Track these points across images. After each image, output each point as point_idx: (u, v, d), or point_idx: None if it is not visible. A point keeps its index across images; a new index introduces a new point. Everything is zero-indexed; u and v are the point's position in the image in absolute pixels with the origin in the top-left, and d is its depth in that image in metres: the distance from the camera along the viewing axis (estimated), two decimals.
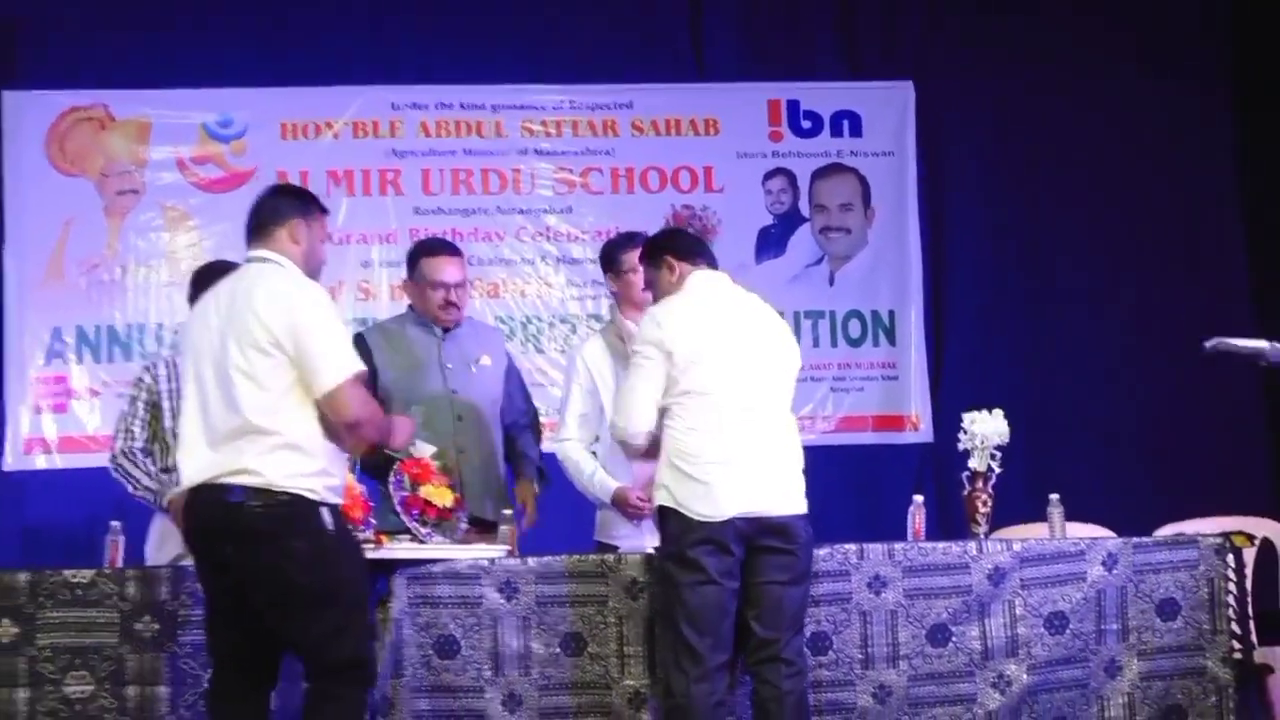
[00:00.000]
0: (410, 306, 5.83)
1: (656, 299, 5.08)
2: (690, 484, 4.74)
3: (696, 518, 4.71)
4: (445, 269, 5.69)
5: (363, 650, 4.50)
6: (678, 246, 5.11)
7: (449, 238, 7.41)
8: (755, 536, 4.74)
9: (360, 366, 4.47)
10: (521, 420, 5.94)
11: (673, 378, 4.82)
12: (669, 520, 4.77)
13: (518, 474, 5.89)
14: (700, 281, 4.99)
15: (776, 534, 4.76)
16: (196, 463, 4.41)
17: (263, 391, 4.34)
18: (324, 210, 4.74)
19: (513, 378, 5.96)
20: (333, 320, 4.49)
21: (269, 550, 4.32)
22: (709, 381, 4.80)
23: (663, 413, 4.85)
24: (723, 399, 4.79)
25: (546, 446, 6.20)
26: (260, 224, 4.58)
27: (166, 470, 5.51)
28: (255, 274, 4.50)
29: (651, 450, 4.93)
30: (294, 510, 4.33)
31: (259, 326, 4.34)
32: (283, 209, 4.60)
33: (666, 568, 4.80)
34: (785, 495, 4.83)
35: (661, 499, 4.79)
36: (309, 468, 4.37)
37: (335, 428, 4.39)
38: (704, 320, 4.89)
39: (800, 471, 4.93)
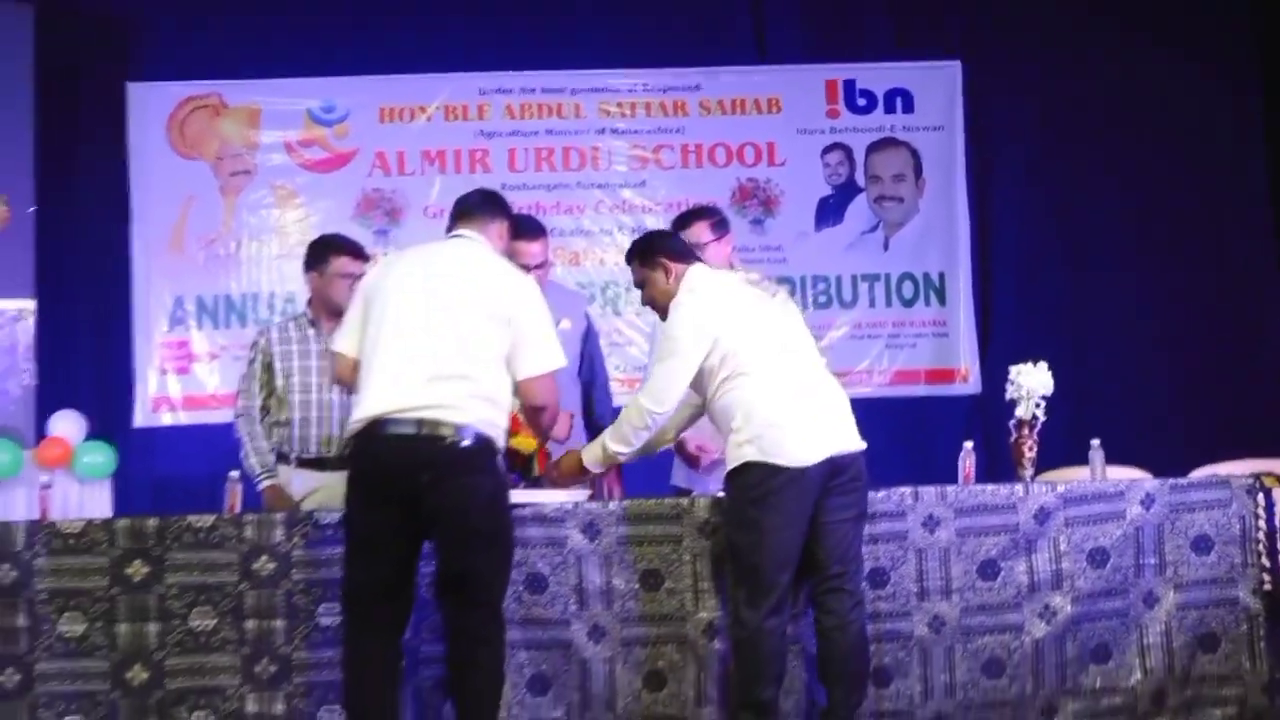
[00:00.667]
0: None
1: (646, 300, 5.06)
2: (770, 436, 4.67)
3: (784, 464, 4.65)
4: (528, 250, 5.55)
5: (504, 588, 4.59)
6: (671, 248, 5.03)
7: (533, 211, 7.45)
8: (829, 477, 4.72)
9: (563, 362, 4.63)
10: (603, 407, 5.85)
11: (723, 355, 4.77)
12: (753, 471, 4.68)
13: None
14: (701, 272, 4.96)
15: (844, 472, 4.74)
16: (397, 395, 4.38)
17: (482, 348, 4.44)
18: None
19: (593, 349, 5.90)
20: (549, 316, 4.66)
21: (462, 482, 4.37)
22: (756, 349, 4.77)
23: (721, 387, 4.80)
24: (774, 360, 4.77)
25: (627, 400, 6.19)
26: (477, 213, 4.74)
27: (280, 424, 5.58)
28: (481, 252, 4.64)
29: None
30: (484, 450, 4.42)
31: (492, 297, 4.49)
32: (500, 211, 4.80)
33: (749, 512, 4.70)
34: (849, 433, 4.82)
35: (746, 455, 4.69)
36: (499, 420, 4.51)
37: (524, 408, 4.59)
38: (726, 301, 4.87)
39: (848, 408, 4.91)
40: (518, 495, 4.98)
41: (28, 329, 7.48)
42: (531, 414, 4.63)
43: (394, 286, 4.54)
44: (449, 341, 4.42)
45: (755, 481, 4.69)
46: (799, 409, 4.73)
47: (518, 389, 4.54)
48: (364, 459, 4.46)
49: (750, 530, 4.72)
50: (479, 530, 4.39)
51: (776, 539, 4.68)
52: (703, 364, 4.79)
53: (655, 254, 5.00)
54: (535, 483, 5.13)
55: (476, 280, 4.51)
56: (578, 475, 5.05)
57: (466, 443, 4.36)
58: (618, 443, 4.93)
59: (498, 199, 4.87)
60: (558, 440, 5.10)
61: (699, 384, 4.86)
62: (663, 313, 4.96)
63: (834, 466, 4.71)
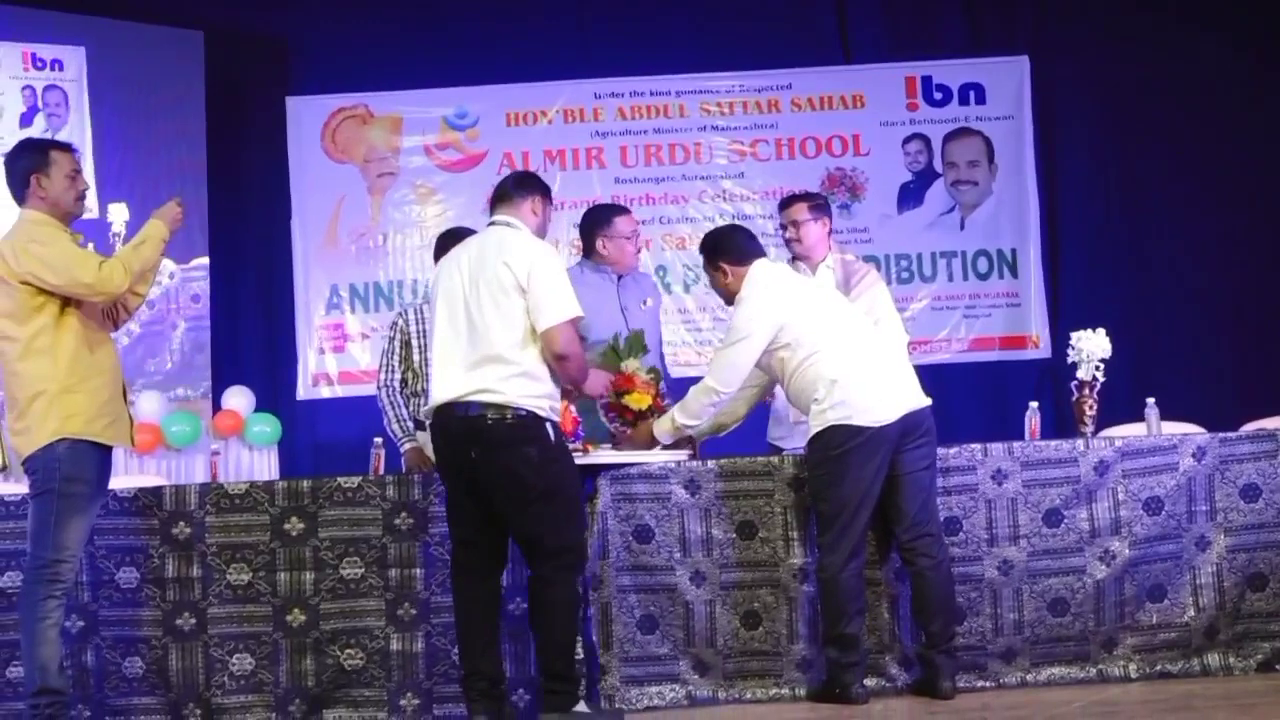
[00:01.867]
0: (584, 259, 5.68)
1: (716, 290, 5.11)
2: (852, 400, 4.67)
3: (863, 424, 4.65)
4: (633, 224, 5.64)
5: (576, 538, 4.56)
6: (729, 251, 4.99)
7: (643, 202, 7.47)
8: (904, 434, 4.70)
9: (578, 312, 4.50)
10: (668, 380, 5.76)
11: (790, 341, 4.78)
12: (837, 433, 4.67)
13: None
14: (762, 268, 4.94)
15: (918, 428, 4.73)
16: (448, 385, 4.47)
17: (509, 330, 4.41)
18: (553, 202, 4.90)
19: (659, 324, 5.84)
20: (561, 271, 4.55)
21: (507, 454, 4.39)
22: (821, 330, 4.78)
23: (799, 366, 4.78)
24: (840, 337, 4.77)
25: None
26: (509, 195, 4.68)
27: (416, 394, 5.60)
28: (502, 234, 4.58)
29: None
30: (528, 423, 4.41)
31: (508, 274, 4.42)
32: (530, 185, 4.72)
33: (833, 469, 4.70)
34: (917, 392, 4.82)
35: (830, 419, 4.68)
36: (540, 390, 4.44)
37: (548, 358, 4.45)
38: (787, 292, 4.87)
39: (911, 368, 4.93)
40: (627, 456, 4.99)
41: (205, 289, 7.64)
42: (557, 363, 4.47)
43: (441, 288, 4.59)
44: (480, 331, 4.43)
45: (839, 441, 4.69)
46: (872, 375, 4.73)
47: (542, 341, 4.43)
48: (436, 439, 4.58)
49: (833, 484, 4.72)
50: (530, 493, 4.39)
51: (853, 491, 4.68)
52: (774, 351, 4.81)
53: (714, 257, 5.03)
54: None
55: (495, 263, 4.45)
56: (648, 443, 5.01)
57: (508, 419, 4.38)
58: (686, 417, 4.95)
59: (526, 178, 4.86)
60: (594, 397, 4.94)
61: (772, 369, 4.88)
62: (728, 300, 5.00)
63: (907, 423, 4.71)
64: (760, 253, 5.03)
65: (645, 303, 5.65)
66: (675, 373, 6.13)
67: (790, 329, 4.78)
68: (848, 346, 4.76)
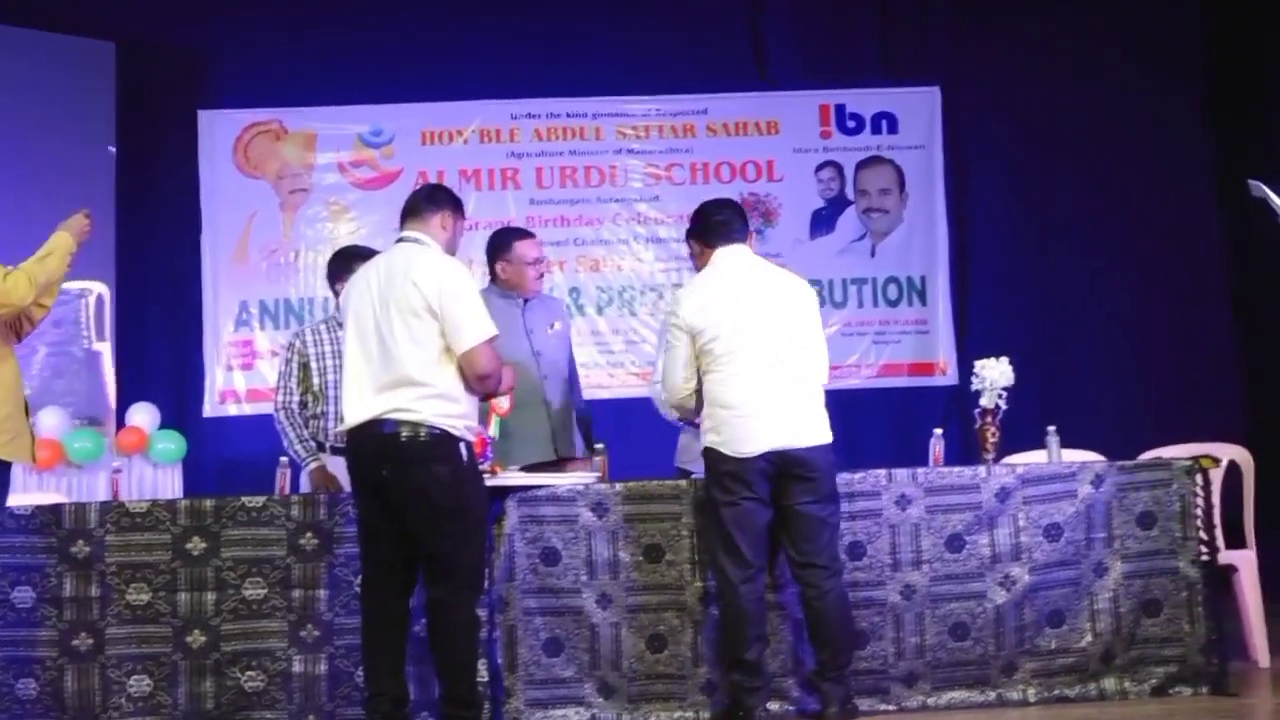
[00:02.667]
0: (491, 282, 5.65)
1: (697, 268, 5.11)
2: (726, 428, 4.73)
3: (730, 454, 4.72)
4: (535, 248, 5.61)
5: (479, 559, 4.56)
6: (701, 232, 5.02)
7: (557, 224, 7.48)
8: (781, 467, 4.72)
9: (493, 331, 4.49)
10: (582, 404, 5.78)
11: (701, 348, 4.80)
12: (710, 456, 4.79)
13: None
14: (723, 257, 4.92)
15: (799, 464, 4.73)
16: (360, 406, 4.46)
17: (421, 351, 4.40)
18: (465, 215, 4.82)
19: (566, 343, 5.79)
20: (473, 293, 4.52)
21: (419, 472, 4.38)
22: (732, 344, 4.76)
23: (703, 374, 4.83)
24: (746, 356, 4.75)
25: (637, 391, 6.22)
26: (418, 210, 4.64)
27: (316, 416, 5.56)
28: (410, 252, 4.54)
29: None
30: (441, 441, 4.40)
31: (417, 295, 4.39)
32: (440, 200, 4.68)
33: (709, 492, 4.81)
34: (805, 431, 4.75)
35: (706, 440, 4.80)
36: (454, 410, 4.44)
37: (468, 379, 4.45)
38: (722, 292, 4.83)
39: (819, 409, 4.83)
40: (535, 478, 5.01)
41: (89, 305, 7.47)
42: (479, 383, 4.48)
43: (351, 308, 4.58)
44: (391, 353, 4.41)
45: (712, 464, 4.78)
46: (756, 406, 4.72)
47: (461, 364, 4.43)
48: (349, 459, 4.58)
49: (712, 508, 4.80)
50: (438, 512, 4.39)
51: (731, 515, 4.72)
52: (699, 351, 4.81)
53: (690, 229, 5.10)
54: None
55: (404, 283, 4.42)
56: None
57: (421, 437, 4.38)
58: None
59: (436, 191, 4.82)
60: (504, 393, 4.84)
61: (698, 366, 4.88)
62: None
63: (785, 459, 4.71)
64: (733, 238, 4.94)
65: (552, 326, 5.65)
66: (588, 394, 6.12)
67: (705, 335, 4.78)
68: (748, 371, 4.74)
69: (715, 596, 4.86)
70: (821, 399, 4.87)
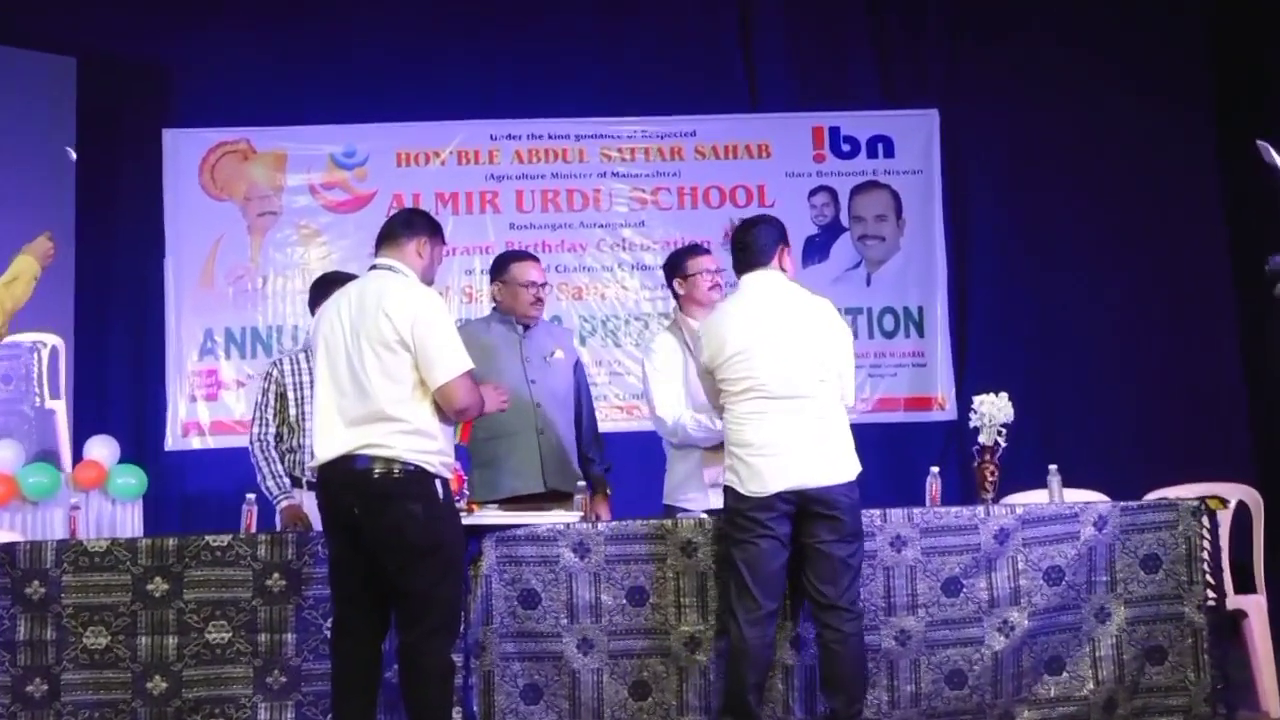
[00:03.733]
0: (494, 308, 5.79)
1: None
2: (743, 467, 4.78)
3: (747, 493, 4.76)
4: (532, 271, 5.69)
5: (455, 601, 4.57)
6: (736, 252, 5.07)
7: (539, 250, 7.47)
8: (801, 505, 4.76)
9: (470, 364, 4.52)
10: (589, 434, 5.83)
11: (723, 380, 4.87)
12: (729, 494, 4.84)
13: (593, 486, 5.67)
14: (751, 282, 4.97)
15: (818, 502, 4.76)
16: (332, 442, 4.47)
17: (395, 385, 4.42)
18: (444, 240, 4.83)
19: (581, 378, 5.87)
20: (448, 324, 4.55)
21: (392, 509, 4.40)
22: (753, 377, 4.80)
23: (723, 409, 4.90)
24: (768, 391, 4.79)
25: (620, 425, 6.26)
26: (394, 235, 4.65)
27: (293, 450, 5.62)
28: (383, 281, 4.55)
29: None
30: (415, 478, 4.42)
31: (389, 327, 4.41)
32: (416, 226, 4.68)
33: (725, 530, 4.87)
34: (824, 469, 4.79)
35: (726, 479, 4.85)
36: (430, 447, 4.46)
37: (445, 412, 4.49)
38: (746, 323, 4.87)
39: (842, 445, 4.87)
40: (514, 517, 5.05)
41: (42, 359, 7.48)
42: (457, 417, 4.56)
43: (322, 338, 4.59)
44: (364, 387, 4.43)
45: (730, 504, 4.82)
46: (773, 443, 4.77)
47: (437, 399, 4.47)
48: (320, 496, 4.60)
49: (727, 546, 4.85)
50: (411, 552, 4.40)
51: (746, 554, 4.76)
52: (717, 382, 4.89)
53: (732, 253, 5.11)
54: None
55: (376, 314, 4.44)
56: None
57: (395, 473, 4.39)
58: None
59: (413, 216, 4.83)
60: (499, 410, 4.92)
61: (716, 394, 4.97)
62: None
63: (804, 497, 4.75)
64: (756, 262, 4.98)
65: (551, 354, 5.69)
66: None
67: (725, 368, 4.85)
68: (767, 408, 4.79)
69: (704, 640, 4.91)
70: (847, 432, 4.91)
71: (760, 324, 4.88)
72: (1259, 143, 4.83)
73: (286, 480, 5.55)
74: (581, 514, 5.15)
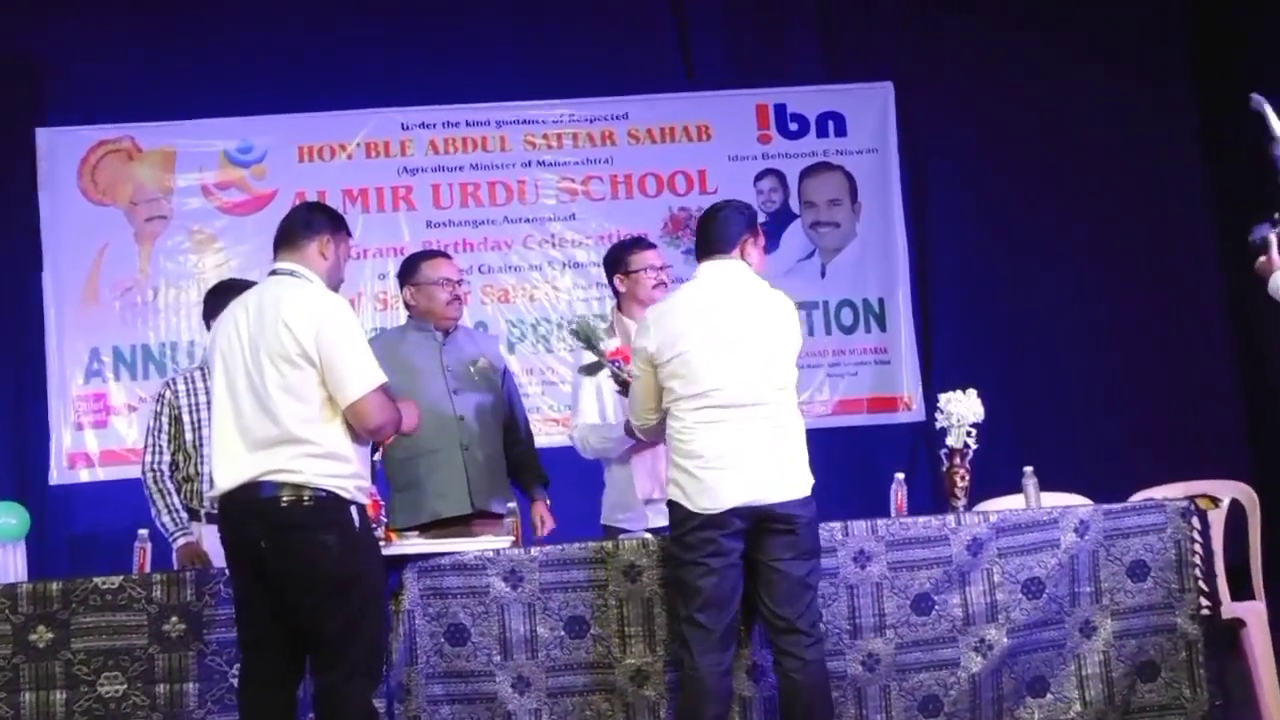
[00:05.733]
0: (410, 316, 5.78)
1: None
2: (691, 481, 4.76)
3: (696, 510, 4.74)
4: (445, 268, 5.70)
5: (376, 640, 4.54)
6: (698, 238, 5.07)
7: (460, 249, 7.50)
8: (756, 522, 4.75)
9: (383, 378, 4.48)
10: (522, 440, 5.85)
11: (664, 381, 4.84)
12: (675, 510, 4.82)
13: (528, 493, 5.80)
14: (709, 272, 4.95)
15: (774, 519, 4.75)
16: (233, 468, 4.42)
17: (301, 404, 4.38)
18: (349, 233, 4.78)
19: (511, 387, 5.89)
20: (357, 335, 4.50)
21: (302, 541, 4.36)
22: (700, 379, 4.77)
23: (666, 413, 4.88)
24: (724, 397, 4.76)
25: (557, 439, 6.28)
26: (292, 236, 4.59)
27: (189, 479, 5.56)
28: (282, 287, 4.50)
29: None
30: (328, 505, 4.38)
31: (290, 339, 4.36)
32: (316, 224, 4.62)
33: (672, 550, 4.85)
34: (778, 484, 4.77)
35: (671, 494, 4.83)
36: (343, 470, 4.42)
37: (359, 431, 4.46)
38: (696, 317, 4.84)
39: (799, 457, 4.86)
40: (437, 545, 5.01)
41: None
42: (370, 435, 4.53)
43: (219, 354, 4.54)
44: (266, 407, 4.38)
45: (678, 522, 4.80)
46: (723, 456, 4.74)
47: (348, 417, 4.43)
48: (222, 529, 4.54)
49: (675, 568, 4.84)
50: (326, 587, 4.36)
51: (697, 577, 4.74)
52: (660, 373, 4.87)
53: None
54: None
55: (275, 325, 4.39)
56: None
57: (305, 501, 4.36)
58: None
59: (312, 213, 4.75)
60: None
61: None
62: None
63: (759, 513, 4.73)
64: (715, 249, 4.96)
65: (476, 362, 5.67)
66: None
67: (675, 365, 4.81)
68: (718, 416, 4.77)
69: (651, 673, 4.90)
70: (803, 443, 4.90)
71: (718, 319, 4.84)
72: (1254, 97, 4.92)
73: (183, 514, 5.49)
74: (513, 539, 5.14)
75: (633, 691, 4.94)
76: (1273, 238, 4.97)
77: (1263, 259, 4.99)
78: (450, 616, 4.90)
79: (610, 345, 5.31)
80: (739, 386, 4.78)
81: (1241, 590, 5.77)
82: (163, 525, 5.51)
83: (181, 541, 5.49)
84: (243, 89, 8.27)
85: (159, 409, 5.63)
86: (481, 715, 4.88)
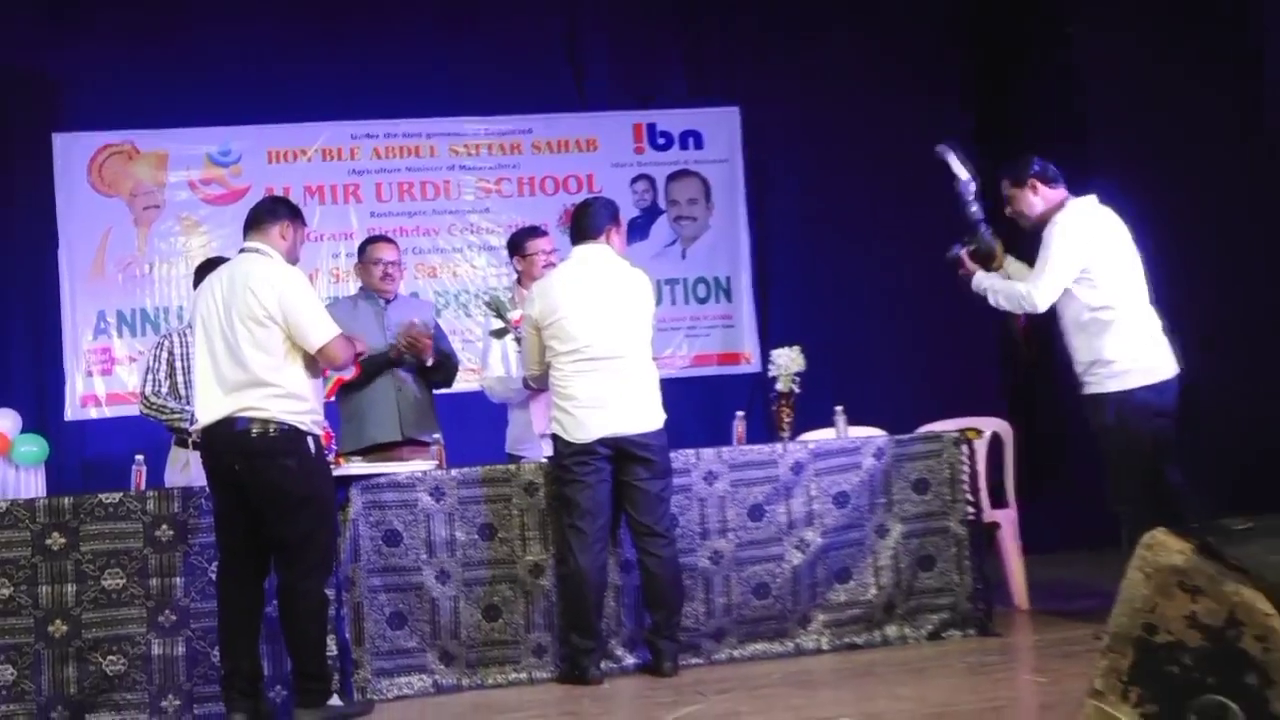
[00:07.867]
0: (361, 286, 5.76)
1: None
2: (568, 418, 4.81)
3: (572, 440, 4.79)
4: (382, 250, 5.69)
5: (328, 543, 4.54)
6: (571, 230, 5.09)
7: (397, 234, 7.34)
8: (620, 449, 4.80)
9: (337, 329, 4.47)
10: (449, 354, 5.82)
11: (547, 341, 4.87)
12: (557, 440, 4.86)
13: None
14: (581, 253, 4.98)
15: (635, 446, 4.82)
16: (212, 407, 4.40)
17: (266, 355, 4.35)
18: (305, 221, 4.77)
19: (439, 335, 5.81)
20: (312, 297, 4.51)
21: (269, 465, 4.33)
22: (573, 338, 4.83)
23: (549, 365, 4.88)
24: (591, 351, 4.82)
25: (473, 385, 6.27)
26: (259, 221, 4.57)
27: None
28: (250, 263, 4.48)
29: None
30: (289, 436, 4.36)
31: (256, 303, 4.34)
32: (279, 212, 4.61)
33: (556, 473, 4.89)
34: (636, 419, 4.85)
35: (552, 428, 4.87)
36: (301, 408, 4.40)
37: (329, 367, 4.55)
38: (569, 289, 4.88)
39: (653, 398, 4.91)
40: (377, 467, 4.98)
41: None
42: (337, 371, 4.72)
43: (199, 315, 4.51)
44: (237, 357, 4.36)
45: (558, 451, 4.85)
46: (592, 395, 4.80)
47: (310, 357, 4.43)
48: (204, 456, 4.51)
49: (559, 487, 4.88)
50: (289, 502, 4.35)
51: (574, 493, 4.80)
52: (544, 335, 4.87)
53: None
54: None
55: (244, 292, 4.38)
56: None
57: (271, 432, 4.34)
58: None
59: (275, 204, 4.74)
60: (339, 367, 4.78)
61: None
62: None
63: (621, 441, 4.78)
64: (587, 235, 4.96)
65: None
66: None
67: (554, 328, 4.83)
68: (587, 365, 4.81)
69: (547, 568, 4.91)
70: (657, 386, 4.95)
71: (587, 290, 4.88)
72: (939, 147, 5.04)
73: (189, 409, 5.36)
74: (437, 463, 5.11)
75: (531, 582, 4.96)
76: (963, 254, 5.19)
77: (962, 271, 5.15)
78: (387, 524, 4.88)
79: (515, 315, 5.29)
80: (604, 343, 4.83)
81: (998, 501, 5.92)
82: (177, 417, 5.42)
83: (195, 427, 5.34)
84: (224, 103, 8.07)
85: (158, 353, 5.57)
86: (411, 601, 4.88)
